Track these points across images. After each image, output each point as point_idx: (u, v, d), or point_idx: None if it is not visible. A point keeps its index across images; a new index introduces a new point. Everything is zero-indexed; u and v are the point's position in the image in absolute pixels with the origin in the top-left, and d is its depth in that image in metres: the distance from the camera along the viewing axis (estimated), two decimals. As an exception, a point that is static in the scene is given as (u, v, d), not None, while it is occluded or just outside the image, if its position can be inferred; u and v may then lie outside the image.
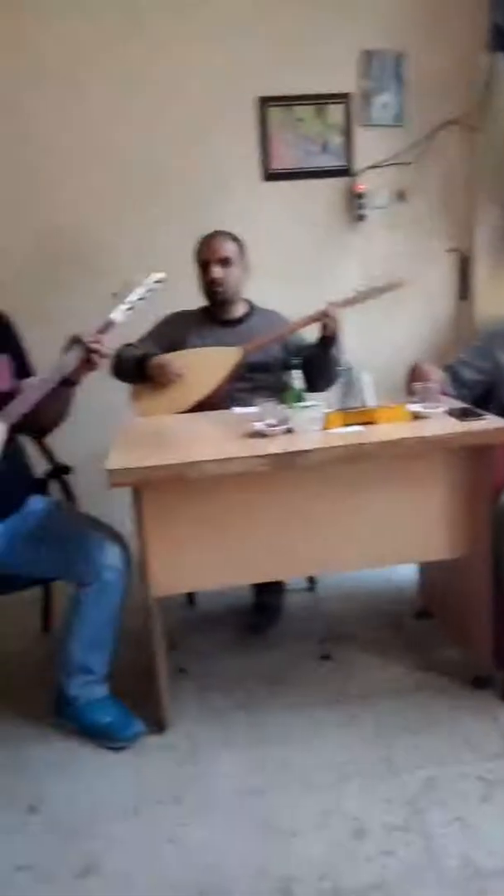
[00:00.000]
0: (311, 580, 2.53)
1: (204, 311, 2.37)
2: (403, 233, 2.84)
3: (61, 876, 1.42)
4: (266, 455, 1.64)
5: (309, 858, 1.42)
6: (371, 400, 1.86)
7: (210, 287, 2.26)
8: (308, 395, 1.99)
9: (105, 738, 1.79)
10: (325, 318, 2.17)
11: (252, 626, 2.27)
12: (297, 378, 1.95)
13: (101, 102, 2.71)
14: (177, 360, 2.22)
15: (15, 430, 1.72)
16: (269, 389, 2.23)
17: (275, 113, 2.70)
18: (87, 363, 1.72)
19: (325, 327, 2.20)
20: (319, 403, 1.85)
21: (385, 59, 2.74)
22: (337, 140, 2.75)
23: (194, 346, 2.30)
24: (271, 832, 1.49)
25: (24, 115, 2.71)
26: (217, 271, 2.23)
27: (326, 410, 1.80)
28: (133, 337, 2.27)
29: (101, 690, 1.85)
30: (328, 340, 2.23)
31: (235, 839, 1.48)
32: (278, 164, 2.74)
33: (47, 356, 1.78)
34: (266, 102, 2.69)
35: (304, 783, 1.62)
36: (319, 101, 2.71)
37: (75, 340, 1.71)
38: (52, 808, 1.60)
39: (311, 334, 2.28)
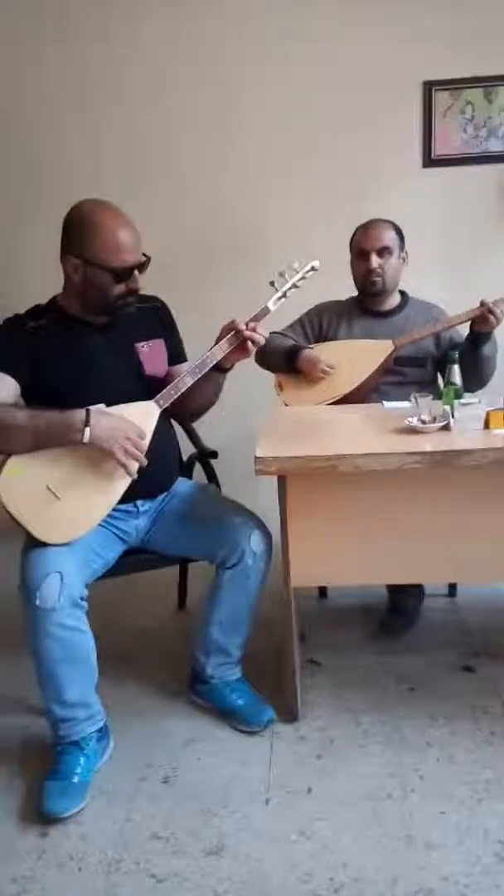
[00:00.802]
0: (452, 587, 2.43)
1: (354, 301, 2.32)
2: None
3: (193, 851, 1.45)
4: (422, 452, 1.57)
5: (447, 875, 1.35)
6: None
7: (367, 277, 2.19)
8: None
9: (237, 720, 1.81)
10: (488, 314, 2.04)
11: (386, 626, 2.21)
12: (456, 374, 1.86)
13: (258, 91, 2.73)
14: (326, 352, 2.19)
15: (167, 413, 1.77)
16: (419, 384, 2.16)
17: (441, 97, 2.60)
18: (241, 350, 1.74)
19: (484, 323, 2.07)
20: (479, 401, 1.75)
21: None
22: (507, 123, 2.60)
23: (343, 338, 2.26)
24: (408, 841, 1.44)
25: (185, 109, 2.79)
26: (375, 261, 2.16)
27: (487, 408, 1.71)
28: (277, 325, 2.26)
29: (235, 673, 1.88)
30: (483, 337, 2.11)
31: (370, 842, 1.44)
32: (441, 149, 2.65)
33: (199, 342, 1.82)
34: (432, 86, 2.59)
35: (443, 796, 1.55)
36: (490, 83, 2.57)
37: (231, 328, 1.72)
38: (186, 782, 1.64)
39: (465, 329, 2.17)
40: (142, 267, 1.68)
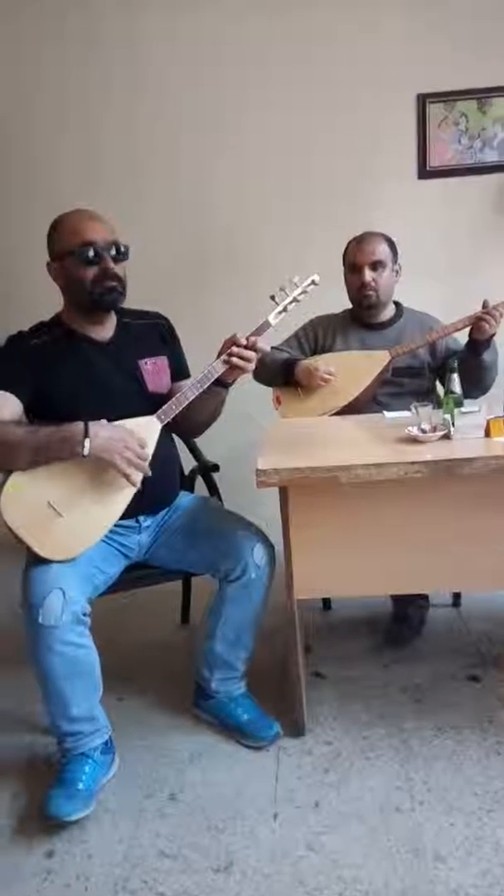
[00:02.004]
0: (457, 596, 2.42)
1: (349, 313, 2.32)
2: None
3: (201, 868, 1.43)
4: (424, 462, 1.57)
5: (457, 887, 1.34)
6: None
7: (360, 291, 2.19)
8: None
9: (242, 735, 1.80)
10: (485, 320, 2.04)
11: (391, 636, 2.20)
12: (456, 382, 1.86)
13: (252, 103, 2.75)
14: (323, 364, 2.19)
15: (169, 429, 1.77)
16: (416, 394, 2.15)
17: (435, 109, 2.63)
18: (237, 367, 1.73)
19: (481, 330, 2.08)
20: (479, 409, 1.75)
21: None
22: (501, 134, 2.62)
23: (339, 350, 2.26)
24: (417, 854, 1.43)
25: (176, 120, 2.81)
26: (369, 275, 2.16)
27: (488, 417, 1.71)
28: (275, 339, 2.26)
29: (240, 687, 1.87)
30: (482, 344, 2.11)
31: (379, 856, 1.43)
32: (436, 161, 2.67)
33: (199, 353, 1.82)
34: (426, 98, 2.62)
35: (451, 808, 1.54)
36: (483, 94, 2.60)
37: (232, 341, 1.73)
38: (193, 798, 1.63)
39: (463, 337, 2.18)
40: (115, 251, 1.67)
